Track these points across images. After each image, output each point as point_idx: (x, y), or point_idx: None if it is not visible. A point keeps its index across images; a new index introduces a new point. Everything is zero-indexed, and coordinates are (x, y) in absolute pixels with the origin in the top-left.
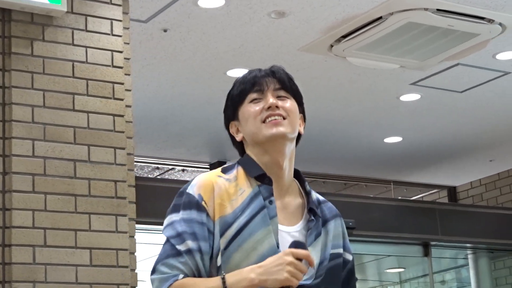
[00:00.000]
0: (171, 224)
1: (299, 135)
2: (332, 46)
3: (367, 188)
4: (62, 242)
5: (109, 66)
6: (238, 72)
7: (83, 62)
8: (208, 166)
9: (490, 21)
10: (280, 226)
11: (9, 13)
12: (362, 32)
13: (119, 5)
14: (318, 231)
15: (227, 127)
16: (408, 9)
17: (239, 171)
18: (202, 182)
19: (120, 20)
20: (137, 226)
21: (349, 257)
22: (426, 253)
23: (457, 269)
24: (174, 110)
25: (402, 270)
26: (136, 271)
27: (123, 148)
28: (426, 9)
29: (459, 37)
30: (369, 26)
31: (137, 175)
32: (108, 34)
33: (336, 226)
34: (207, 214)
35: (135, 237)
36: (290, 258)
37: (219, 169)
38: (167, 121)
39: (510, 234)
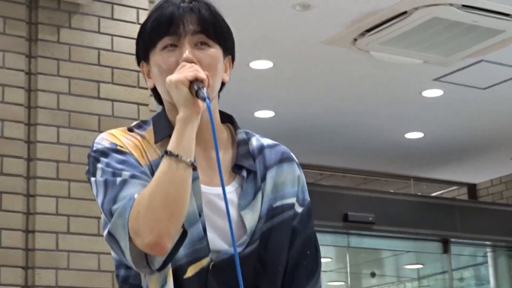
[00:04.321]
0: (96, 181)
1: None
2: (355, 39)
3: (386, 184)
4: (84, 229)
5: (134, 54)
6: (261, 64)
7: (108, 50)
8: None
9: None
10: (206, 188)
11: None
12: (387, 26)
13: None
14: (256, 186)
15: (138, 62)
16: (433, 4)
17: (150, 130)
18: (106, 135)
19: (146, 9)
20: None
21: (298, 209)
22: (445, 250)
23: (476, 266)
24: None
25: (420, 266)
26: None
27: None
28: (451, 5)
29: (483, 33)
30: (394, 21)
31: None
32: (134, 22)
33: (280, 173)
34: (131, 154)
35: None
36: (177, 72)
37: (125, 127)
38: None
39: None
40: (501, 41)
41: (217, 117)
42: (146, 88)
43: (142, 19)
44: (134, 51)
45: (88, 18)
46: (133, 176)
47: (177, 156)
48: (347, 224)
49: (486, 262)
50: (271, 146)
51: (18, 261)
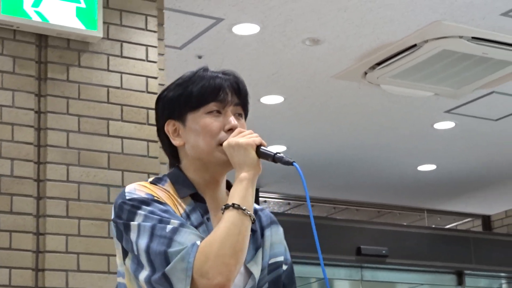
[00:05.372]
0: (140, 226)
1: None
2: (366, 73)
3: (400, 216)
4: (95, 267)
5: (144, 92)
6: (272, 99)
7: (118, 87)
8: None
9: None
10: None
11: (46, 39)
12: (397, 59)
13: (155, 32)
14: (257, 243)
15: (162, 122)
16: (443, 37)
17: (170, 186)
18: (139, 187)
19: (155, 47)
20: None
21: (284, 267)
22: (460, 282)
23: None
24: None
25: None
26: None
27: (157, 174)
28: (461, 37)
29: (494, 65)
30: (404, 54)
31: None
32: (143, 60)
33: (273, 233)
34: (169, 205)
35: None
36: (241, 137)
37: (147, 182)
38: None
39: None
40: (511, 72)
41: (224, 181)
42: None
43: (151, 57)
44: (143, 88)
45: (98, 56)
46: (182, 225)
47: (244, 209)
48: (360, 257)
49: None
50: (261, 210)
51: None
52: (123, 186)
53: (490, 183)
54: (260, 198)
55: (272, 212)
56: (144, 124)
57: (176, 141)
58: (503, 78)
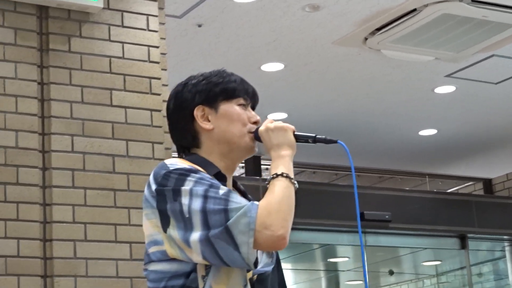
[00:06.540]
0: (192, 190)
1: None
2: (366, 39)
3: (402, 181)
4: (102, 236)
5: (146, 61)
6: (273, 67)
7: (120, 57)
8: (243, 162)
9: None
10: None
11: (46, 10)
12: (397, 24)
13: (155, 1)
14: None
15: (188, 107)
16: (442, 1)
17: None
18: (179, 160)
19: (156, 16)
20: None
21: None
22: (463, 246)
23: (495, 261)
24: None
25: (438, 263)
26: None
27: (161, 143)
28: (460, 0)
29: (494, 28)
30: (404, 18)
31: None
32: (144, 29)
33: None
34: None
35: None
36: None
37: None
38: None
39: None
40: (511, 35)
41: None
42: (159, 94)
43: (152, 26)
44: (145, 58)
45: (99, 26)
46: (230, 191)
47: (291, 179)
48: (363, 223)
49: (504, 256)
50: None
51: (36, 270)
52: (128, 156)
53: (491, 146)
54: (262, 166)
55: None
56: (147, 93)
57: (206, 125)
58: (503, 41)
